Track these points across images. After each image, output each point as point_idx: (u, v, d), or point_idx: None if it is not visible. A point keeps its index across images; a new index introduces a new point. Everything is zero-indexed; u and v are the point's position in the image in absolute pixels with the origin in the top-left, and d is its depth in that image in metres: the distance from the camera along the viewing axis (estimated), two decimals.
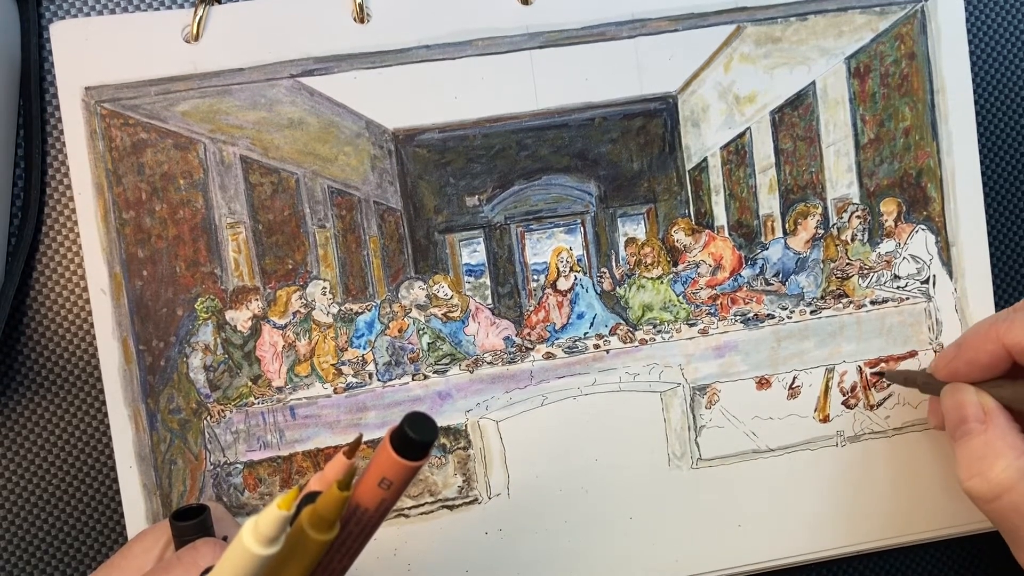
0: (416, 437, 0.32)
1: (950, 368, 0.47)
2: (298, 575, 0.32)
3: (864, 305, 0.55)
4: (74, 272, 0.52)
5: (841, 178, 0.55)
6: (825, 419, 0.55)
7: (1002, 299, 0.57)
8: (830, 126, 0.54)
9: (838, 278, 0.55)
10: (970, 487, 0.44)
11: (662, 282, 0.55)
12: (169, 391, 0.51)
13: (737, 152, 0.54)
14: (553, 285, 0.54)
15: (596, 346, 0.54)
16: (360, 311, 0.53)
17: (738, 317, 0.55)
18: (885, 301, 0.55)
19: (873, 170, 0.55)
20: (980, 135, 0.56)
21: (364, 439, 0.52)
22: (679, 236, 0.54)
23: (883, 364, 0.55)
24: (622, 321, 0.54)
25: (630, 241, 0.54)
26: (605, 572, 0.54)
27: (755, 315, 0.55)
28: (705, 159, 0.54)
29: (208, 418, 0.51)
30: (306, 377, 0.52)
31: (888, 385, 0.55)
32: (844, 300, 0.55)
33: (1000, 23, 0.57)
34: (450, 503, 0.53)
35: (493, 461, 0.53)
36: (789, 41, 0.54)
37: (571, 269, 0.54)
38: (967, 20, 0.55)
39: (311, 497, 0.32)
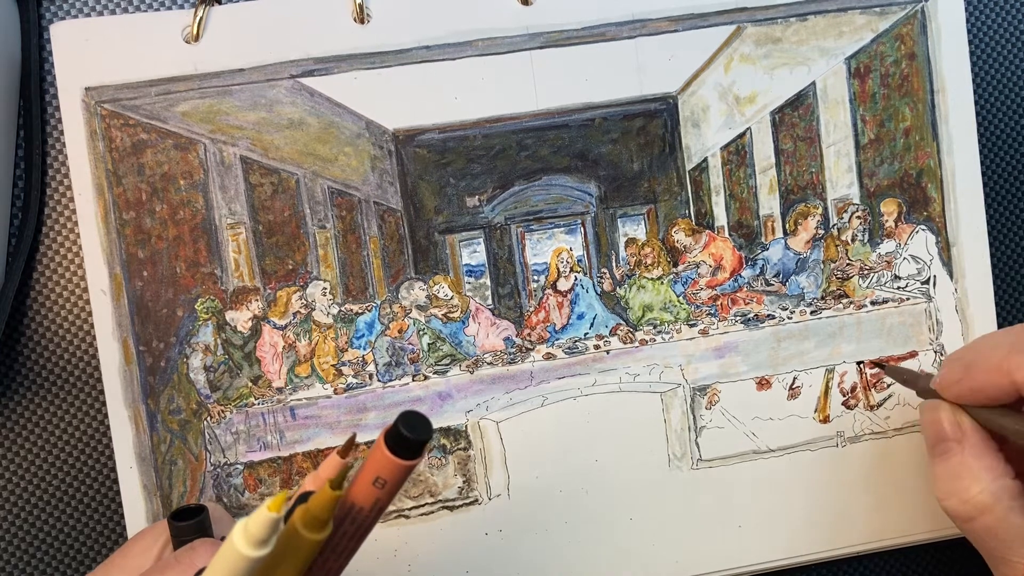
0: (410, 435, 0.32)
1: (954, 392, 0.45)
2: (292, 575, 0.32)
3: (864, 305, 0.55)
4: (74, 273, 0.52)
5: (841, 178, 0.55)
6: (825, 420, 0.55)
7: (1002, 299, 0.57)
8: (830, 126, 0.54)
9: (838, 278, 0.55)
10: (947, 507, 0.44)
11: (662, 282, 0.55)
12: (169, 392, 0.51)
13: (737, 152, 0.54)
14: (553, 285, 0.54)
15: (596, 347, 0.54)
16: (360, 312, 0.53)
17: (738, 317, 0.55)
18: (885, 301, 0.55)
19: (873, 170, 0.54)
20: (980, 135, 0.56)
21: (364, 440, 0.52)
22: (679, 236, 0.54)
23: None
24: (622, 321, 0.54)
25: (630, 241, 0.54)
26: (605, 572, 0.54)
27: (755, 315, 0.55)
28: (705, 159, 0.54)
29: (208, 419, 0.51)
30: (306, 378, 0.52)
31: (888, 385, 0.55)
32: (844, 300, 0.55)
33: (1000, 23, 0.57)
34: (450, 504, 0.53)
35: (493, 462, 0.53)
36: (789, 41, 0.54)
37: (571, 269, 0.54)
38: (967, 20, 0.55)
39: (305, 497, 0.32)
